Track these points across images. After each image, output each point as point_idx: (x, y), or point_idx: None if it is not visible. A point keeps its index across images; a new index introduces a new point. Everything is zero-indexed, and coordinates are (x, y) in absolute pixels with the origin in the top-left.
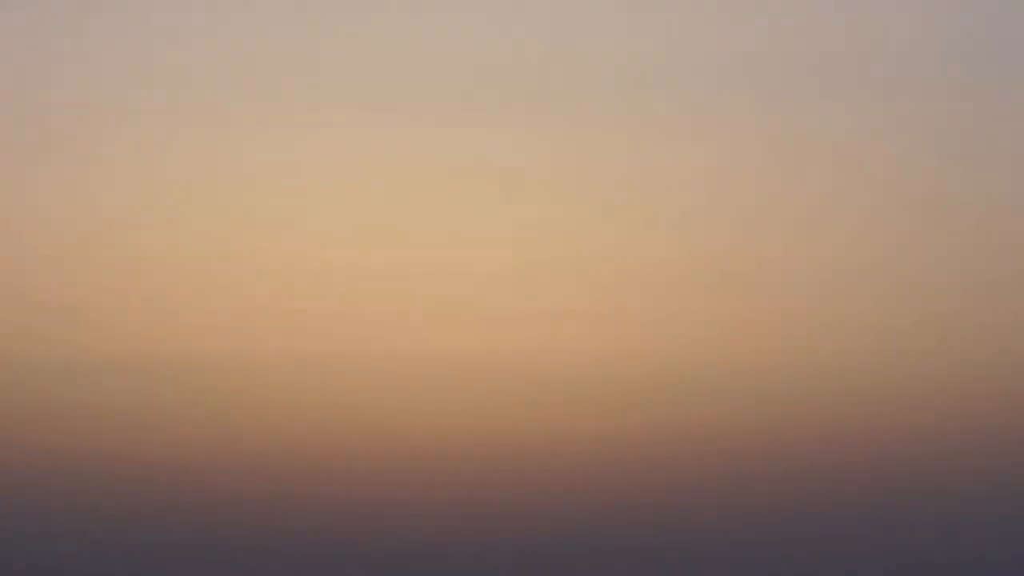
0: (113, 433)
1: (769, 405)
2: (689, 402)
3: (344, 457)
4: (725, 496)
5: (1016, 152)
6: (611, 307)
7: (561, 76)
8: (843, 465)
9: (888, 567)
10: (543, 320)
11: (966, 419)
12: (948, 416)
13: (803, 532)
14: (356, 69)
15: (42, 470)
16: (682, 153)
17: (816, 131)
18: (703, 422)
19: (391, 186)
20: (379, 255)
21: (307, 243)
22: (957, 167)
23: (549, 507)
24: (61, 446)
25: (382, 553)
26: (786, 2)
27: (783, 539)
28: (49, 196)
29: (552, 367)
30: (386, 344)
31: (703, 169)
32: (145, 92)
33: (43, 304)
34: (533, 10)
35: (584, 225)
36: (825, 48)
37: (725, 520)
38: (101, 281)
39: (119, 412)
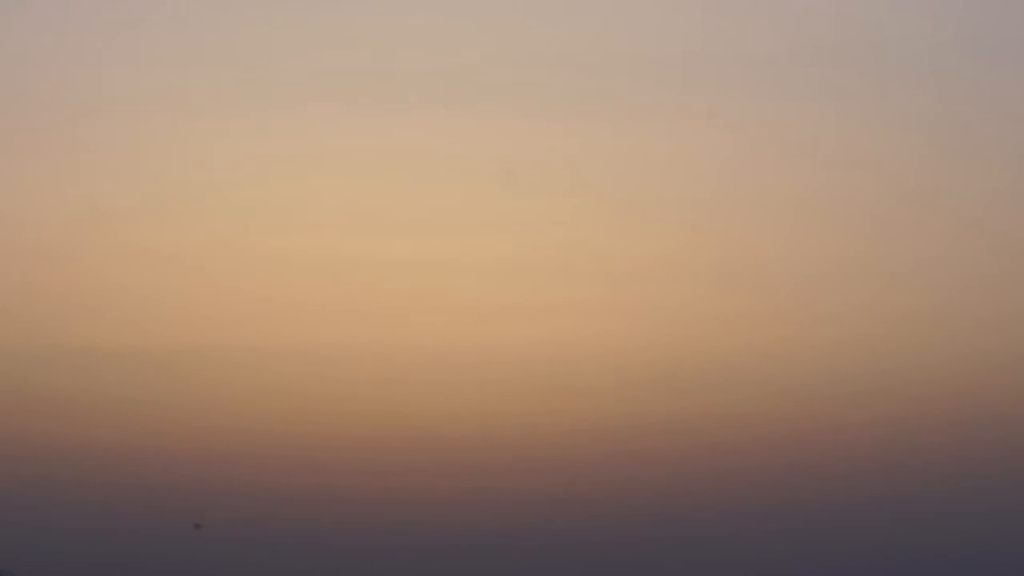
0: (113, 420)
1: (768, 395)
2: (689, 392)
3: (342, 445)
4: (725, 483)
5: (1010, 146)
6: (610, 299)
7: (559, 71)
8: (843, 453)
9: (886, 550)
10: (545, 312)
11: (962, 409)
12: (944, 406)
13: (806, 518)
14: (354, 66)
15: (42, 457)
16: (681, 148)
17: (813, 126)
18: (702, 412)
19: (391, 179)
20: (380, 247)
21: (306, 235)
22: (952, 161)
23: (552, 494)
24: (60, 434)
25: (384, 539)
26: None
27: (784, 526)
28: (47, 187)
29: (553, 358)
30: (388, 335)
31: (702, 164)
32: (143, 86)
33: (41, 293)
34: (529, 8)
35: (583, 218)
36: (821, 44)
37: (724, 508)
38: (99, 271)
39: (118, 401)
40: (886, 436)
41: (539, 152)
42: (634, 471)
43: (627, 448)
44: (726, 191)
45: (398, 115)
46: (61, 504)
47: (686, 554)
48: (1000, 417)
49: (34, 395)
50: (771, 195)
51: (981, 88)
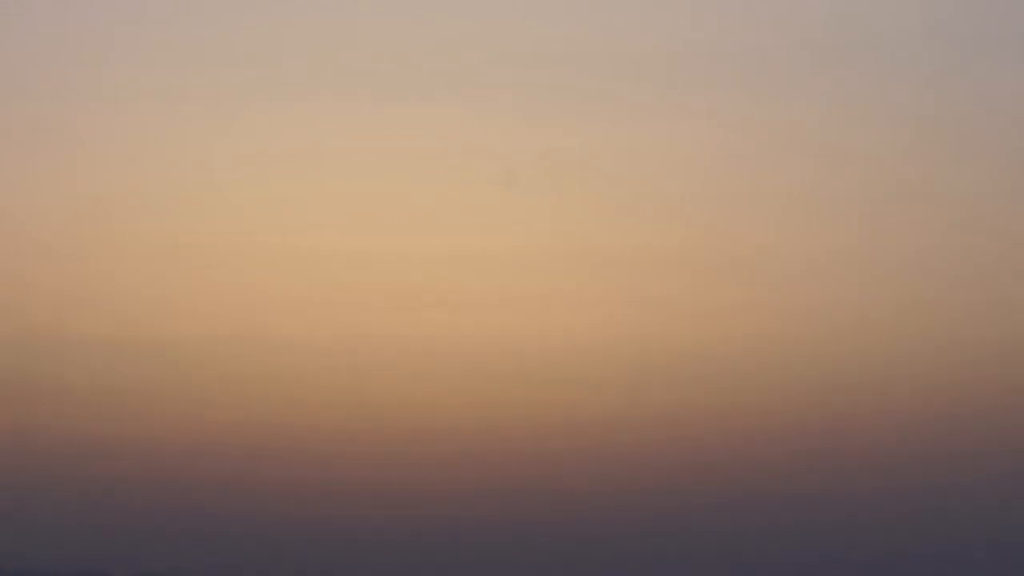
0: (107, 412)
1: (757, 387)
2: (677, 385)
3: (338, 437)
4: (717, 476)
5: (1000, 139)
6: (599, 291)
7: (554, 68)
8: (834, 445)
9: (878, 542)
10: (533, 303)
11: (951, 400)
12: (934, 397)
13: (794, 509)
14: (351, 62)
15: (37, 449)
16: (670, 141)
17: (803, 119)
18: (691, 404)
19: (386, 174)
20: (376, 241)
21: (303, 230)
22: (942, 154)
23: (543, 486)
24: (55, 425)
25: (375, 531)
26: None
27: (776, 519)
28: (44, 181)
29: (541, 350)
30: (379, 327)
31: (691, 156)
32: (140, 80)
33: (38, 286)
34: (521, 5)
35: (574, 212)
36: (810, 37)
37: (717, 501)
38: (95, 264)
39: (113, 392)
40: (877, 428)
41: (532, 147)
42: (628, 463)
43: (619, 440)
44: (717, 185)
45: (395, 110)
46: (57, 497)
47: (676, 546)
48: (993, 408)
49: (29, 386)
50: (762, 188)
51: (972, 82)
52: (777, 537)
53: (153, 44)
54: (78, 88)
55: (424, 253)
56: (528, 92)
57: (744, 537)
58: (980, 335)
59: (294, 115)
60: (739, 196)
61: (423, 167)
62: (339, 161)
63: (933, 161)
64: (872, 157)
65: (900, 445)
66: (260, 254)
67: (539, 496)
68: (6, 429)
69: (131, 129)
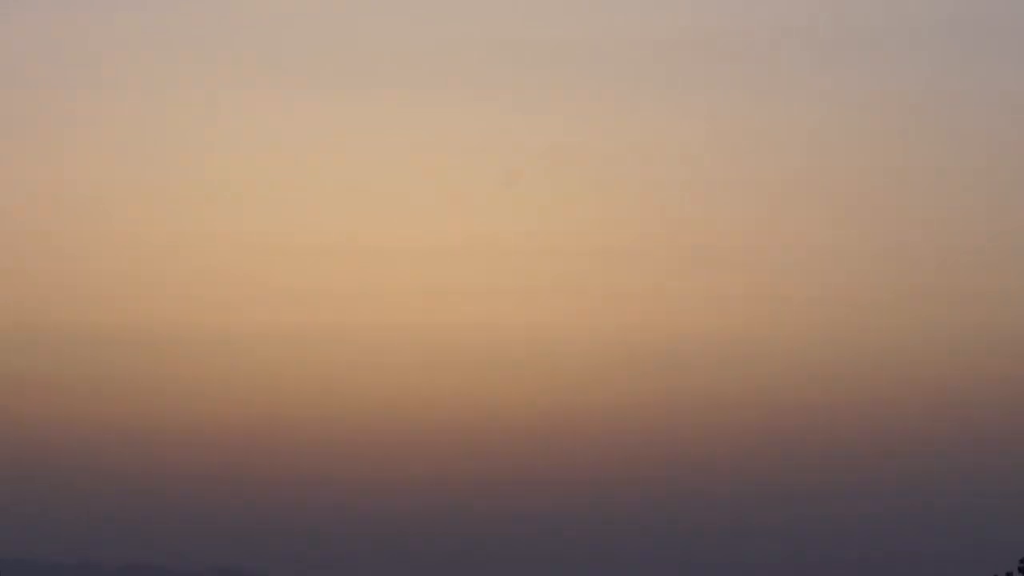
0: (97, 402)
1: (746, 376)
2: (663, 373)
3: (327, 428)
4: (699, 465)
5: (990, 128)
6: (584, 281)
7: (543, 64)
8: (820, 434)
9: (864, 527)
10: (517, 294)
11: (942, 388)
12: (925, 385)
13: (778, 502)
14: (345, 57)
15: (23, 438)
16: (658, 130)
17: (793, 108)
18: (681, 391)
19: (378, 168)
20: (367, 234)
21: (283, 220)
22: (935, 147)
23: (528, 474)
24: (41, 415)
25: (348, 520)
26: None
27: (759, 511)
28: (34, 171)
29: (525, 340)
30: (361, 318)
31: (679, 146)
32: (130, 71)
33: (28, 277)
34: (520, 3)
35: (558, 201)
36: (802, 33)
37: (701, 486)
38: (85, 255)
39: (102, 382)
40: (864, 414)
41: (528, 143)
42: (618, 449)
43: (611, 428)
44: (706, 174)
45: (392, 105)
46: (36, 482)
47: (665, 531)
48: (988, 395)
49: (15, 376)
50: (750, 178)
51: (964, 71)
52: (766, 523)
53: (153, 38)
54: (72, 80)
55: (420, 246)
56: (526, 89)
57: (733, 521)
58: (974, 322)
59: (291, 110)
60: (730, 188)
61: (420, 162)
62: (338, 155)
63: (925, 153)
64: (863, 150)
65: (890, 433)
66: (254, 246)
67: (533, 483)
68: None
69: (126, 122)
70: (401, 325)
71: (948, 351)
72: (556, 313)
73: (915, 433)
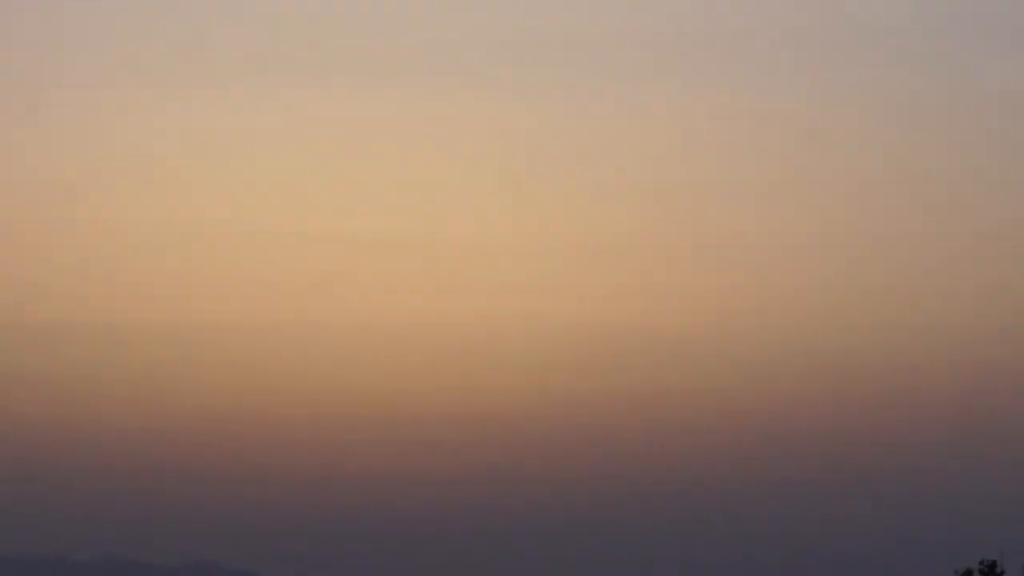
0: (65, 398)
1: (735, 369)
2: (655, 367)
3: (289, 421)
4: (686, 460)
5: (981, 124)
6: (571, 277)
7: (532, 56)
8: (807, 425)
9: (850, 519)
10: (506, 290)
11: (934, 382)
12: (916, 378)
13: (769, 498)
14: (323, 46)
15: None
16: (649, 129)
17: (782, 104)
18: (670, 385)
19: (358, 159)
20: (332, 224)
21: (253, 211)
22: (925, 140)
23: (511, 470)
24: (16, 410)
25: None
26: None
27: (750, 495)
28: (3, 164)
29: (509, 335)
30: (336, 311)
31: (666, 142)
32: (98, 59)
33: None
34: None
35: (542, 197)
36: (794, 27)
37: (690, 479)
38: (49, 247)
39: (69, 378)
40: (850, 408)
41: (502, 131)
42: (599, 444)
43: (596, 422)
44: (700, 171)
45: (370, 96)
46: (25, 482)
47: (653, 523)
48: (978, 388)
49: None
50: (738, 174)
51: (956, 69)
52: (754, 510)
53: (128, 28)
54: (39, 71)
55: (401, 238)
56: (514, 81)
57: (722, 512)
58: (968, 315)
59: (247, 97)
60: (722, 182)
61: (401, 153)
62: (317, 145)
63: (917, 147)
64: (854, 143)
65: (876, 423)
66: (234, 238)
67: (516, 476)
68: None
69: (84, 112)
70: (377, 320)
71: (950, 345)
72: (546, 308)
73: (910, 421)
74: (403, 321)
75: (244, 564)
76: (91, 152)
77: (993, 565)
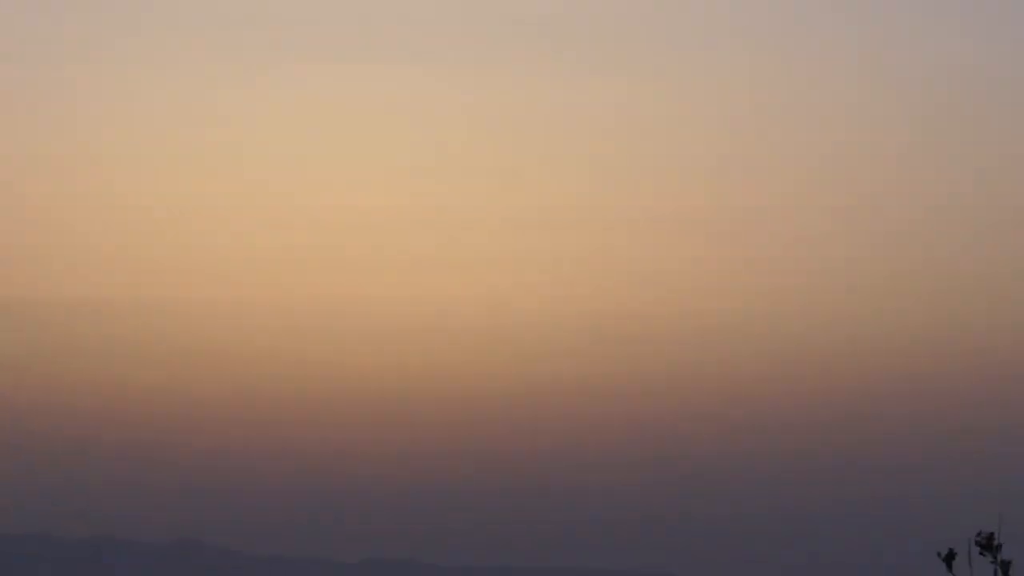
0: (47, 373)
1: (711, 351)
2: (636, 347)
3: (283, 398)
4: (670, 436)
5: (986, 104)
6: (555, 252)
7: (502, 25)
8: (798, 411)
9: (837, 504)
10: (482, 265)
11: (930, 365)
12: (913, 361)
13: (754, 479)
14: (307, 22)
15: None
16: (628, 103)
17: (772, 80)
18: (648, 366)
19: (332, 132)
20: (335, 200)
21: (248, 187)
22: (927, 119)
23: (494, 448)
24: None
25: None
26: None
27: (739, 476)
28: None
29: (491, 312)
30: (328, 288)
31: (654, 117)
32: (91, 39)
33: None
34: None
35: (520, 170)
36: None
37: (671, 460)
38: (37, 221)
39: (52, 353)
40: (848, 390)
41: (475, 105)
42: (587, 425)
43: (576, 402)
44: (685, 146)
45: (353, 71)
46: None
47: (636, 505)
48: (980, 377)
49: None
50: (732, 150)
51: (943, 42)
52: (743, 493)
53: (108, 6)
54: (19, 45)
55: (386, 213)
56: (493, 54)
57: (710, 494)
58: (965, 297)
59: (223, 71)
60: (704, 160)
61: (386, 128)
62: (303, 121)
63: (917, 126)
64: (856, 122)
65: (855, 406)
66: (220, 214)
67: (500, 456)
68: None
69: (75, 87)
70: (355, 296)
71: (954, 325)
72: (530, 285)
73: (903, 403)
74: (397, 297)
75: (230, 542)
76: (84, 128)
77: (991, 537)
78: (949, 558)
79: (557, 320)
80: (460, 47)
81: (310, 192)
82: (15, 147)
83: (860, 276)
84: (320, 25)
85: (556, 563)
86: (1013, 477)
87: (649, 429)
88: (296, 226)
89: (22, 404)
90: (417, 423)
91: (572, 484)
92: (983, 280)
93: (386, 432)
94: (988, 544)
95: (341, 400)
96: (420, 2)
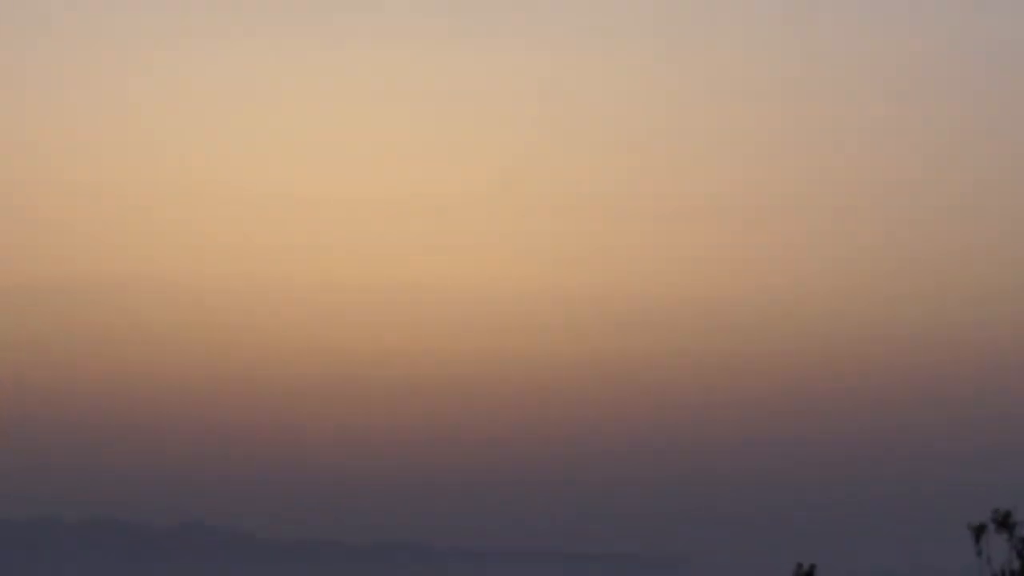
0: (54, 358)
1: (721, 335)
2: (634, 331)
3: (269, 380)
4: (672, 425)
5: (977, 79)
6: (556, 235)
7: (507, 10)
8: (795, 393)
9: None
10: (487, 249)
11: (926, 348)
12: (910, 344)
13: (758, 461)
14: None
15: None
16: (631, 83)
17: (768, 60)
18: (640, 349)
19: (326, 114)
20: (324, 186)
21: (232, 170)
22: (921, 92)
23: (495, 432)
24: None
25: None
26: None
27: (729, 459)
28: None
29: (496, 297)
30: (317, 272)
31: (652, 96)
32: (64, 16)
33: None
34: None
35: (527, 153)
36: None
37: (662, 440)
38: (18, 205)
39: (59, 337)
40: (827, 369)
41: (482, 87)
42: (587, 408)
43: (580, 385)
44: (683, 125)
45: (332, 49)
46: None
47: (626, 487)
48: (966, 357)
49: None
50: (729, 131)
51: (942, 27)
52: (734, 477)
53: None
54: (17, 29)
55: (375, 198)
56: (480, 36)
57: (700, 475)
58: (961, 280)
59: (225, 52)
60: (706, 136)
61: (377, 111)
62: (293, 102)
63: (911, 99)
64: (851, 97)
65: (873, 388)
66: (207, 198)
67: (495, 437)
68: None
69: (58, 72)
70: (361, 281)
71: (948, 309)
72: (533, 268)
73: (898, 388)
74: (386, 280)
75: (235, 524)
76: (65, 109)
77: (1007, 515)
78: (979, 530)
79: (571, 306)
80: (468, 25)
81: (297, 180)
82: None
83: (862, 273)
84: (308, 10)
85: (567, 548)
86: None
87: (665, 415)
88: (292, 213)
89: (24, 386)
90: (429, 409)
91: (582, 469)
92: (981, 279)
93: (398, 418)
94: (1005, 522)
95: (354, 384)
96: None
